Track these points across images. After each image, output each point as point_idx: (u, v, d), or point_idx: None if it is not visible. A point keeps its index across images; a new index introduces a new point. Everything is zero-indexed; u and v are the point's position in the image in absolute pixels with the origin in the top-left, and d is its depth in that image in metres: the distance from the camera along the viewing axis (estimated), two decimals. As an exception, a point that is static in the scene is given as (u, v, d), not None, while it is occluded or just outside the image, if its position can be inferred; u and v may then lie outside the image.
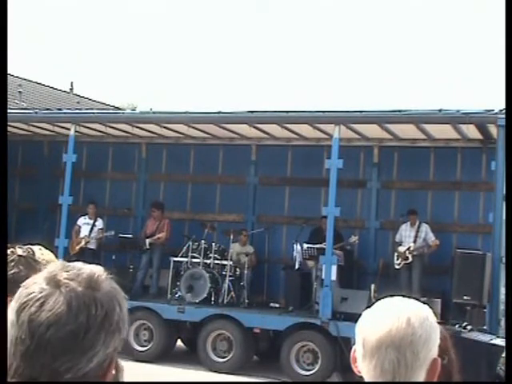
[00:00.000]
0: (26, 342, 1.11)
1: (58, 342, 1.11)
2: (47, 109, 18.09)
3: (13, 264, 1.36)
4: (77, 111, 17.31)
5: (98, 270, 1.23)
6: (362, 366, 1.66)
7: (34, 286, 1.16)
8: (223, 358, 12.39)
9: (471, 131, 12.57)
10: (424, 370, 1.65)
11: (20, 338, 1.12)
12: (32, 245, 1.25)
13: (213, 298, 13.07)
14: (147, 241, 14.09)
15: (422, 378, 1.65)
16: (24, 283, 1.17)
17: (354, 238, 13.25)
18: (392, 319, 1.65)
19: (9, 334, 1.12)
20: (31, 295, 1.14)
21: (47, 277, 1.16)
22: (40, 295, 1.14)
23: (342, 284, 12.82)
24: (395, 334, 1.63)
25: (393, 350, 1.62)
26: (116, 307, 1.19)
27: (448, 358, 2.11)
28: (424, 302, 1.75)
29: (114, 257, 14.28)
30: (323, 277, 12.01)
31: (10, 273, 1.37)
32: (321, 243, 12.53)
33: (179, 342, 13.75)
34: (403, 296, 1.75)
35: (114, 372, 1.21)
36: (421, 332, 1.64)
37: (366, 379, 1.65)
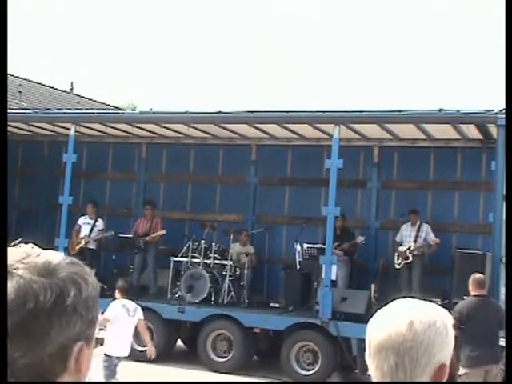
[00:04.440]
0: None
1: (10, 330, 1.15)
2: (47, 109, 18.09)
3: None
4: (77, 111, 17.30)
5: (55, 257, 1.25)
6: (369, 366, 1.66)
7: None
8: (223, 357, 12.39)
9: (471, 131, 12.57)
10: (427, 375, 1.62)
11: None
12: (25, 243, 1.25)
13: (213, 298, 13.07)
14: (141, 240, 13.96)
15: None
16: None
17: (360, 238, 13.23)
18: (394, 323, 1.64)
19: None
20: None
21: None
22: None
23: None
24: (395, 338, 1.62)
25: (392, 354, 1.61)
26: (71, 291, 1.20)
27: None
28: (434, 303, 1.73)
29: (114, 257, 14.28)
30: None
31: None
32: (334, 242, 12.57)
33: (179, 342, 13.74)
34: (413, 297, 1.73)
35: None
36: (422, 338, 1.61)
37: (372, 379, 1.65)
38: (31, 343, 1.16)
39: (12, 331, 1.15)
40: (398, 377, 1.61)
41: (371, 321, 1.69)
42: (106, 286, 11.54)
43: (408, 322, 1.63)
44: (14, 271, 1.19)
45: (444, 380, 1.65)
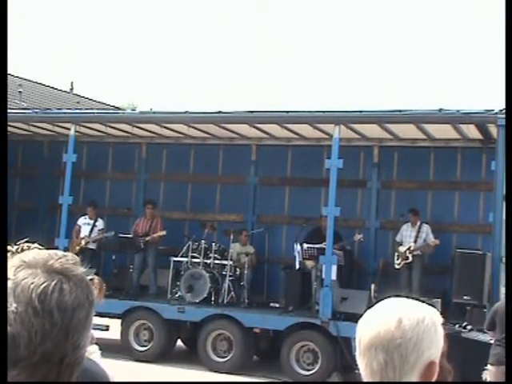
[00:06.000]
0: (57, 326, 1.21)
1: (81, 322, 1.24)
2: (47, 109, 18.08)
3: None
4: (77, 111, 17.30)
5: (70, 254, 1.33)
6: (359, 364, 1.67)
7: (36, 277, 1.22)
8: (223, 357, 12.38)
9: (471, 131, 12.57)
10: (416, 373, 1.62)
11: (50, 323, 1.20)
12: (31, 243, 1.27)
13: (213, 298, 13.07)
14: (141, 240, 13.96)
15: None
16: (15, 276, 1.21)
17: (358, 236, 13.21)
18: (383, 321, 1.64)
19: (30, 325, 1.19)
20: (44, 284, 1.21)
21: (43, 266, 1.24)
22: (53, 283, 1.22)
23: (342, 284, 12.83)
24: (384, 335, 1.62)
25: (381, 351, 1.62)
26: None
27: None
28: (425, 302, 1.73)
29: (114, 257, 14.28)
30: (323, 277, 12.01)
31: None
32: (320, 243, 12.53)
33: (179, 342, 13.74)
34: (406, 297, 1.74)
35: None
36: (411, 335, 1.62)
37: (362, 377, 1.66)
38: (87, 331, 1.26)
39: (83, 322, 1.24)
40: (387, 374, 1.62)
41: (361, 319, 1.70)
42: (105, 286, 11.54)
43: (397, 319, 1.63)
44: (64, 267, 1.25)
45: (433, 377, 1.65)
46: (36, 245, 1.27)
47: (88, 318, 1.25)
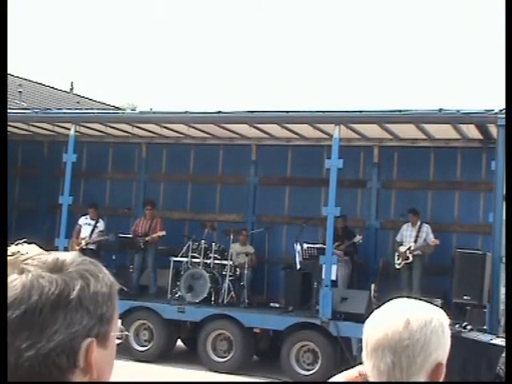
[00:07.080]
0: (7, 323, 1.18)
1: (15, 321, 1.17)
2: (47, 109, 18.08)
3: None
4: (77, 111, 17.29)
5: (67, 255, 1.26)
6: (366, 365, 1.66)
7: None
8: (223, 357, 12.38)
9: (471, 131, 12.57)
10: (423, 374, 1.62)
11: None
12: (28, 243, 1.26)
13: (213, 298, 13.07)
14: (141, 240, 13.94)
15: None
16: None
17: (358, 238, 13.24)
18: (390, 322, 1.64)
19: None
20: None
21: (14, 265, 1.22)
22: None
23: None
24: (391, 337, 1.62)
25: (389, 352, 1.61)
26: (77, 286, 1.21)
27: None
28: (430, 303, 1.73)
29: (114, 257, 14.27)
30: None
31: None
32: (337, 243, 12.69)
33: (179, 342, 13.74)
34: (408, 297, 1.73)
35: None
36: (419, 336, 1.61)
37: (368, 378, 1.65)
38: (37, 334, 1.17)
39: (17, 322, 1.17)
40: (394, 375, 1.61)
41: (368, 320, 1.69)
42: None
43: (404, 320, 1.63)
44: (25, 266, 1.21)
45: (441, 379, 1.64)
46: (33, 245, 1.25)
47: (32, 316, 1.16)
